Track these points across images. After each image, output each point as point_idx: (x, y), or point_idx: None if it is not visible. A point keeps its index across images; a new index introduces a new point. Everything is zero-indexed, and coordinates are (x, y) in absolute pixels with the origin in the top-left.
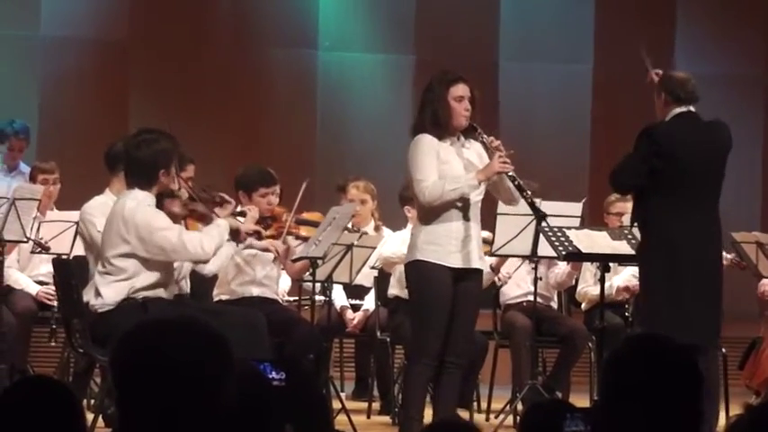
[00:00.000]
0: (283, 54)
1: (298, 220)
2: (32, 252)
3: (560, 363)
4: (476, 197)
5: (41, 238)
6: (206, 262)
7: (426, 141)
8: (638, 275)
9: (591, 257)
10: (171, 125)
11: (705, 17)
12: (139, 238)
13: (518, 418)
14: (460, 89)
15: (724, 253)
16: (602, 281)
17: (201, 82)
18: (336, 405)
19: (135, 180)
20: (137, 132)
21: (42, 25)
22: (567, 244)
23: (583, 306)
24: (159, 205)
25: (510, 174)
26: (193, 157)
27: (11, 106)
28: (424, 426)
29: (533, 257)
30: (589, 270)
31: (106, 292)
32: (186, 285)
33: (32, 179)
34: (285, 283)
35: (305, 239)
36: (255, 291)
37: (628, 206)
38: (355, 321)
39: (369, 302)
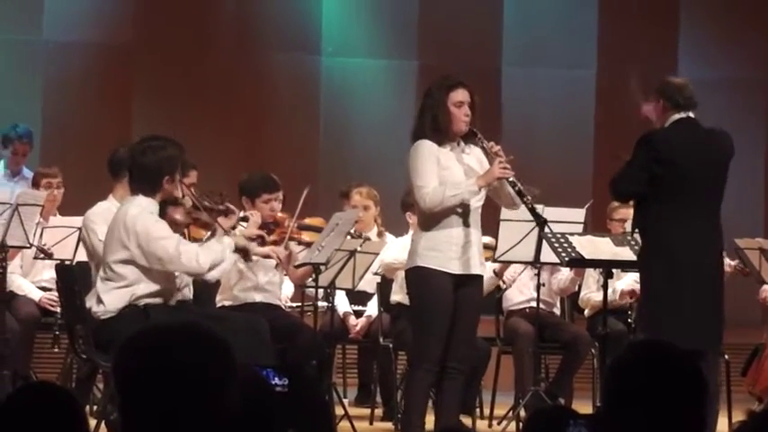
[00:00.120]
0: (286, 59)
1: (300, 226)
2: (35, 258)
3: (563, 369)
4: (476, 203)
5: (44, 244)
6: (200, 275)
7: (426, 147)
8: None
9: (594, 264)
10: (174, 129)
11: (708, 21)
12: (139, 246)
13: (521, 424)
14: (460, 94)
15: (727, 260)
16: (605, 287)
17: (205, 86)
18: (339, 411)
19: (139, 186)
20: (144, 138)
21: (45, 29)
22: (569, 250)
23: (586, 312)
24: (163, 212)
25: (510, 179)
26: (196, 161)
27: (14, 110)
28: None
29: (536, 263)
30: (592, 276)
31: (107, 299)
32: (189, 291)
33: (35, 184)
34: (288, 288)
35: (308, 245)
36: (258, 297)
37: (631, 212)
38: (358, 327)
39: (372, 308)
